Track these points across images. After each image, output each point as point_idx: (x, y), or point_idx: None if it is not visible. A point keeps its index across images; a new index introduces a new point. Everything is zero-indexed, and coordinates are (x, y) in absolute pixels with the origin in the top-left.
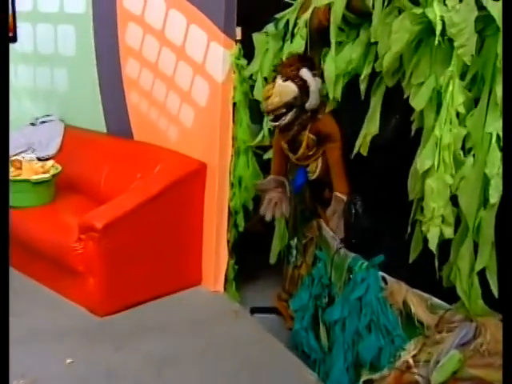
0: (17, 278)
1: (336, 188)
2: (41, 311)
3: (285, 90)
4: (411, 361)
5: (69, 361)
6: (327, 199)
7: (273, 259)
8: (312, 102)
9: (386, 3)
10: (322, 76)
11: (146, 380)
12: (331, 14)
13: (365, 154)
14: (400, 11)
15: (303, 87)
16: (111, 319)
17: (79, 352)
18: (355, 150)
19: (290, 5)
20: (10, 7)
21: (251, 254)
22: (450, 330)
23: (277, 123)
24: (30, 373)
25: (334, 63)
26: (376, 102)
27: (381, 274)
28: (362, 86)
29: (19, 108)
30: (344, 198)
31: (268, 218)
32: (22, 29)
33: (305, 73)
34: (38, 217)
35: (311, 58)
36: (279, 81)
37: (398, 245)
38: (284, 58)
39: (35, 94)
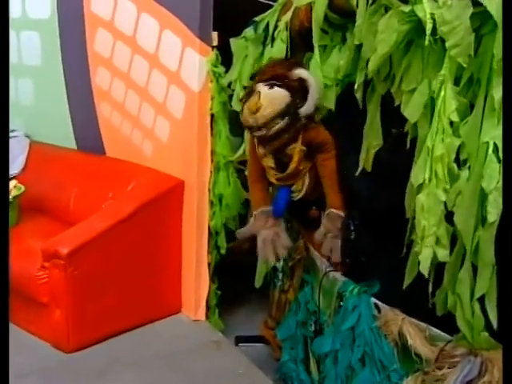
0: None
1: (331, 204)
2: None
3: (275, 96)
4: None
5: None
6: (312, 219)
7: (258, 283)
8: (310, 104)
9: (370, 1)
10: None
11: None
12: (312, 14)
13: (369, 169)
14: (387, 9)
15: (298, 89)
16: (79, 355)
17: None
18: (360, 166)
19: (270, 7)
20: None
21: (234, 278)
22: (451, 366)
23: (264, 132)
24: None
25: (319, 70)
26: (373, 112)
27: (373, 300)
28: (358, 95)
29: None
30: (341, 213)
31: (272, 261)
32: None
33: (302, 72)
34: None
35: (301, 62)
36: (263, 89)
37: (393, 268)
38: (264, 65)
39: None
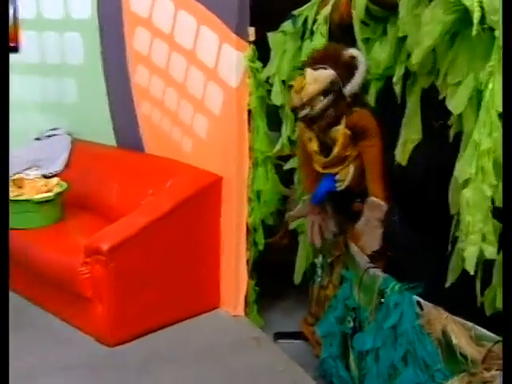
0: (20, 304)
1: (372, 192)
2: (45, 342)
3: (319, 76)
4: None
5: None
6: (356, 212)
7: (297, 279)
8: (356, 82)
9: None
10: None
11: None
12: (353, 7)
13: (404, 163)
14: None
15: (345, 69)
16: (121, 349)
17: None
18: (397, 160)
19: (307, 1)
20: (12, 15)
21: (274, 274)
22: (500, 368)
23: (308, 111)
24: None
25: None
26: (413, 105)
27: (416, 298)
28: (397, 89)
29: (26, 122)
30: (382, 203)
31: (318, 244)
32: (27, 38)
33: (352, 50)
34: (42, 238)
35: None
36: (310, 71)
37: (436, 265)
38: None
39: (42, 106)
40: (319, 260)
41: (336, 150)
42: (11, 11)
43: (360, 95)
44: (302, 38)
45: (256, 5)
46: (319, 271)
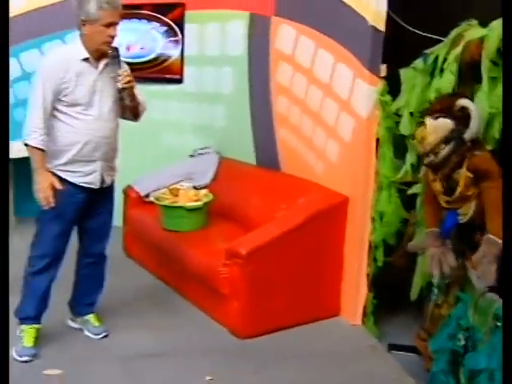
0: (167, 294)
1: (491, 230)
2: (189, 328)
3: (439, 125)
4: None
5: (208, 378)
6: (476, 243)
7: (414, 296)
8: (473, 129)
9: None
10: None
11: None
12: (484, 47)
13: None
14: None
15: (461, 117)
16: (251, 342)
17: (219, 371)
18: None
19: (438, 41)
20: (180, 52)
21: (391, 291)
22: None
23: (432, 158)
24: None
25: (486, 100)
26: None
27: None
28: None
29: (183, 141)
30: (499, 241)
31: (436, 275)
32: (189, 71)
33: (464, 101)
34: (191, 240)
35: (462, 93)
36: (430, 121)
37: None
38: (432, 100)
39: (197, 128)
40: (436, 280)
41: (458, 191)
42: (179, 50)
43: (479, 139)
44: (432, 74)
45: (388, 44)
46: (435, 290)
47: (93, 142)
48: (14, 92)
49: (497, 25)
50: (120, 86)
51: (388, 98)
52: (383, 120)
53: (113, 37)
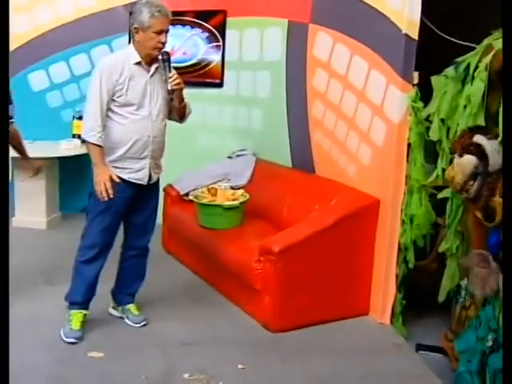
0: (205, 289)
1: None
2: (223, 320)
3: (463, 164)
4: None
5: (240, 366)
6: None
7: (441, 298)
8: (493, 163)
9: None
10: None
11: None
12: None
13: None
14: None
15: (481, 153)
16: (281, 335)
17: (250, 360)
18: None
19: (470, 49)
20: (220, 57)
21: (421, 292)
22: None
23: (466, 195)
24: (208, 370)
25: None
26: None
27: None
28: None
29: (221, 142)
30: None
31: (478, 295)
32: (229, 76)
33: (478, 138)
34: (227, 238)
35: (483, 126)
36: (456, 159)
37: None
38: (454, 140)
39: (235, 130)
40: (464, 282)
41: (497, 218)
42: (220, 55)
43: None
44: (463, 82)
45: (421, 52)
46: (463, 293)
47: (142, 140)
48: (63, 94)
49: None
50: (170, 87)
51: (420, 104)
52: (415, 125)
53: (163, 43)
